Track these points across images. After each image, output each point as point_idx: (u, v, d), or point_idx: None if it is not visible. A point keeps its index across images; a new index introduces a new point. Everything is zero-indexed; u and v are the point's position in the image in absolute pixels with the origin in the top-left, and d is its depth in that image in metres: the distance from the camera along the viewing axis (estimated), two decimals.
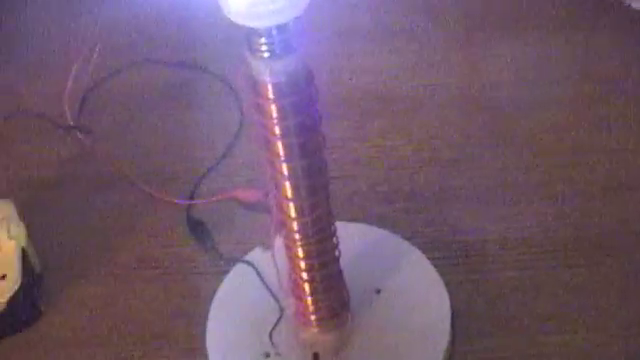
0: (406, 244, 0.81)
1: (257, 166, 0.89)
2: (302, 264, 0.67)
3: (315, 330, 0.73)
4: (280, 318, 0.75)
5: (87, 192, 0.94)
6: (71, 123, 0.99)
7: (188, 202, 0.90)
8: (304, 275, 0.67)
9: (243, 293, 0.78)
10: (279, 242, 0.70)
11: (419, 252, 0.80)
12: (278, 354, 0.73)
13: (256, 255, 0.82)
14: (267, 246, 0.76)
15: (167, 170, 0.94)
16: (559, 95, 0.98)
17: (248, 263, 0.81)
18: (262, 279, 0.79)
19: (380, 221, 0.85)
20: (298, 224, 0.63)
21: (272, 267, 0.72)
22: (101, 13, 1.13)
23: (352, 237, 0.74)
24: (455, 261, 0.82)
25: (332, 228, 0.65)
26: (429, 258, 0.80)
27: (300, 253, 0.66)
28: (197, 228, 0.86)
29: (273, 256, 0.72)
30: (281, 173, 0.59)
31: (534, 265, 0.81)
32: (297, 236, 0.64)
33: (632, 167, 0.88)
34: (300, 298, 0.70)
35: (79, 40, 1.08)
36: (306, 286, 0.68)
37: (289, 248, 0.66)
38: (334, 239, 0.66)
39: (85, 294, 0.83)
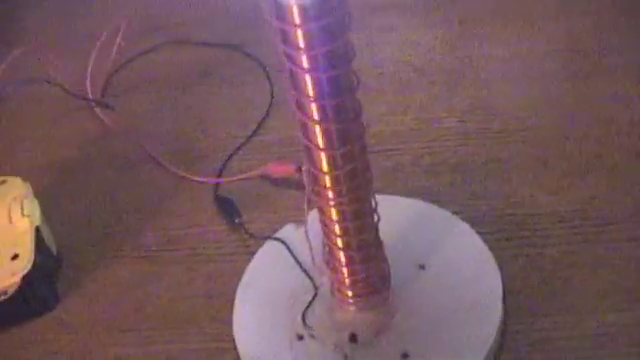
0: (453, 217, 0.74)
1: (288, 141, 0.86)
2: (337, 228, 0.60)
3: (352, 309, 0.67)
4: (314, 297, 0.69)
5: (112, 172, 0.89)
6: (92, 100, 0.93)
7: (216, 181, 0.84)
8: (339, 242, 0.61)
9: (273, 272, 0.72)
10: (312, 218, 0.65)
11: (467, 226, 0.73)
12: (312, 336, 0.67)
13: (288, 232, 0.76)
14: (300, 222, 0.71)
15: (195, 149, 0.89)
16: (614, 64, 0.90)
17: (279, 240, 0.74)
18: (294, 257, 0.72)
19: (424, 195, 0.79)
20: (331, 179, 0.56)
21: (305, 244, 0.67)
22: None
23: (394, 210, 0.67)
24: (506, 235, 0.75)
25: (369, 187, 0.58)
26: (478, 232, 0.73)
27: (334, 214, 0.59)
28: (225, 206, 0.81)
29: (306, 231, 0.67)
30: (310, 117, 0.53)
31: (591, 239, 0.74)
32: (330, 194, 0.57)
33: None
34: (335, 270, 0.63)
35: (108, 18, 1.03)
36: (341, 255, 0.62)
37: (322, 212, 0.60)
38: (372, 201, 0.59)
39: (108, 277, 0.78)
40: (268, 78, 0.96)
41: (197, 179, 0.84)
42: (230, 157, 0.87)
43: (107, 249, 0.80)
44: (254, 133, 0.90)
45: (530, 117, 0.86)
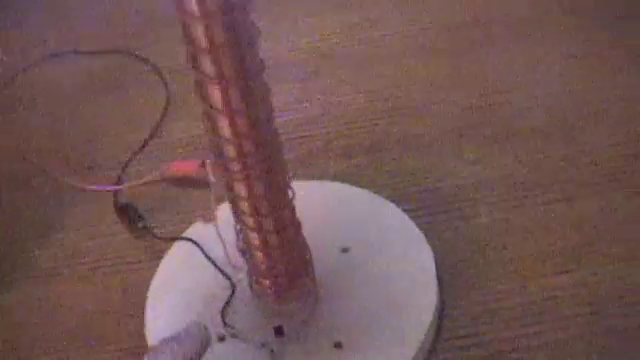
0: (374, 197, 0.69)
1: (187, 141, 0.79)
2: (247, 206, 0.54)
3: (274, 301, 0.60)
4: (232, 294, 0.62)
5: (1, 192, 0.80)
6: None
7: (114, 188, 0.77)
8: (251, 222, 0.55)
9: (185, 273, 0.66)
10: (222, 215, 0.61)
11: (390, 203, 0.67)
12: (234, 335, 0.60)
13: (196, 231, 0.69)
14: (208, 218, 0.64)
15: (89, 159, 0.82)
16: (518, 32, 0.87)
17: (188, 240, 0.67)
18: (206, 255, 0.66)
19: (341, 178, 0.73)
20: (236, 148, 0.50)
21: (216, 241, 0.63)
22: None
23: (311, 195, 0.61)
24: (432, 210, 0.70)
25: (279, 156, 0.53)
26: (402, 210, 0.68)
27: (243, 191, 0.53)
28: (126, 212, 0.74)
29: (216, 226, 0.61)
30: (207, 76, 0.46)
31: (521, 203, 0.69)
32: (237, 166, 0.51)
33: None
34: (252, 258, 0.57)
35: None
36: (256, 238, 0.56)
37: (233, 192, 0.53)
38: (285, 174, 0.53)
39: (3, 305, 0.70)
40: (162, 79, 0.89)
41: (93, 188, 0.77)
42: (128, 163, 0.81)
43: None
44: (151, 137, 0.84)
45: (438, 91, 0.82)
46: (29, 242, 0.75)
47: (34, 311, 0.68)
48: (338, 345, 0.59)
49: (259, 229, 0.54)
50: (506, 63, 0.83)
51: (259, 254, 0.56)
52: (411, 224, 0.66)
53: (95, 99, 0.90)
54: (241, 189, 0.53)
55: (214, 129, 0.49)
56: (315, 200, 0.59)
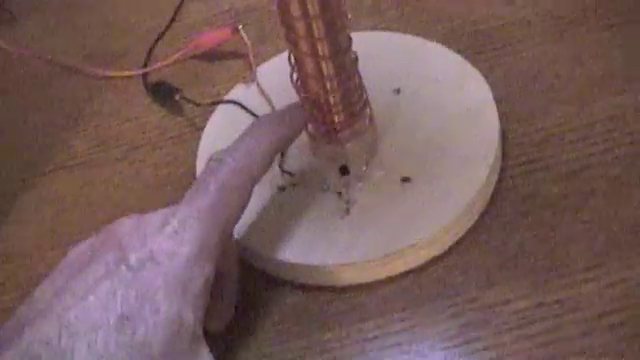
0: (419, 39, 0.66)
1: (212, 20, 0.76)
2: (305, 45, 0.51)
3: (333, 143, 0.57)
4: None
5: (24, 96, 0.78)
6: None
7: (143, 71, 0.74)
8: (307, 52, 0.52)
9: (233, 133, 0.62)
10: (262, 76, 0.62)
11: (436, 44, 0.65)
12: (294, 184, 0.57)
13: (239, 92, 0.66)
14: (250, 79, 0.62)
15: (111, 50, 0.79)
16: None
17: (231, 102, 0.65)
18: (253, 113, 0.63)
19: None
20: None
21: (260, 100, 0.63)
22: None
23: (356, 45, 0.57)
24: (477, 50, 0.68)
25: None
26: None
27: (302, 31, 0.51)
28: (160, 90, 0.71)
29: (259, 84, 0.61)
30: None
31: (568, 34, 0.68)
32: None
33: None
34: (310, 98, 0.54)
35: None
36: (315, 69, 0.53)
37: (293, 42, 0.52)
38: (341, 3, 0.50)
39: (44, 194, 0.67)
40: None
41: (121, 74, 0.74)
42: (153, 47, 0.77)
43: (38, 165, 0.69)
44: (173, 20, 0.80)
45: None
46: (64, 132, 0.72)
47: (77, 198, 0.65)
48: (406, 179, 0.56)
49: (314, 54, 0.52)
50: None
51: (320, 90, 0.53)
52: (459, 58, 0.63)
53: None
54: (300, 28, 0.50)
55: None
56: (361, 49, 0.56)
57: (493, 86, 0.62)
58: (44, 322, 0.39)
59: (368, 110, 0.57)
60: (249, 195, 0.47)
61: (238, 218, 0.47)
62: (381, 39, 0.66)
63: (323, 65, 0.51)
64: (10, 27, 0.84)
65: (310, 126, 0.57)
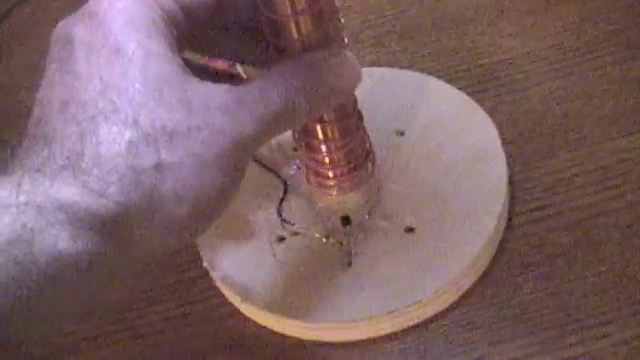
0: (421, 76, 0.64)
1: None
2: None
3: (335, 192, 0.55)
4: (285, 190, 0.57)
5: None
6: None
7: None
8: (314, 119, 0.50)
9: None
10: None
11: (439, 81, 0.62)
12: (295, 233, 0.55)
13: None
14: None
15: None
16: None
17: None
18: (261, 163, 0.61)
19: (378, 66, 0.68)
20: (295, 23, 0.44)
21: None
22: None
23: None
24: (481, 87, 0.65)
25: (339, 35, 0.47)
26: None
27: None
28: None
29: None
30: None
31: (575, 70, 0.65)
32: (296, 44, 0.45)
33: None
34: (311, 150, 0.52)
35: None
36: (318, 127, 0.50)
37: None
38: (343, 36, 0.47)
39: None
40: None
41: None
42: None
43: None
44: None
45: None
46: None
47: None
48: (410, 230, 0.54)
49: (319, 119, 0.49)
50: None
51: (321, 145, 0.51)
52: (465, 97, 0.61)
53: None
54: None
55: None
56: (363, 86, 0.54)
57: (499, 126, 0.60)
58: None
59: (371, 159, 0.54)
60: None
61: None
62: (384, 76, 0.64)
63: (328, 129, 0.49)
64: None
65: (311, 176, 0.54)
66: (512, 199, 0.57)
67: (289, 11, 0.43)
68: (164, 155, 0.38)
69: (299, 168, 0.58)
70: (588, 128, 0.61)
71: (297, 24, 0.43)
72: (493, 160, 0.57)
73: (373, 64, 0.69)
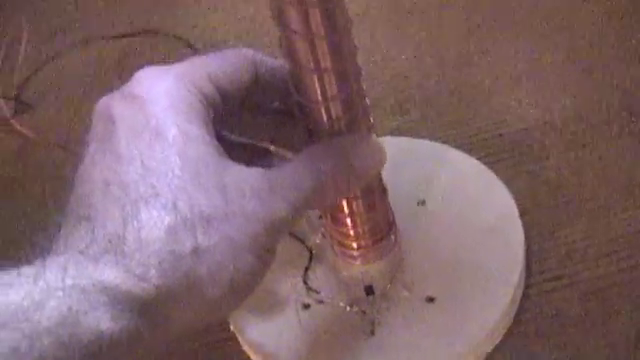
0: (441, 147, 0.67)
1: None
2: None
3: (358, 262, 0.57)
4: (311, 259, 0.60)
5: (45, 184, 0.77)
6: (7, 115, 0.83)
7: None
8: (341, 204, 0.53)
9: None
10: None
11: (459, 152, 0.65)
12: (320, 301, 0.58)
13: None
14: None
15: None
16: None
17: None
18: None
19: (398, 134, 0.71)
20: (325, 109, 0.47)
21: None
22: None
23: None
24: (500, 156, 0.68)
25: (367, 119, 0.49)
26: None
27: None
28: None
29: None
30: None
31: (591, 140, 0.67)
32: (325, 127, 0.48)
33: None
34: (337, 223, 0.55)
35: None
36: (344, 204, 0.53)
37: None
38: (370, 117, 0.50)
39: None
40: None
41: None
42: None
43: None
44: None
45: (489, 34, 0.79)
46: None
47: None
48: (431, 299, 0.57)
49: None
50: None
51: (346, 219, 0.53)
52: (484, 168, 0.64)
53: (125, 81, 0.86)
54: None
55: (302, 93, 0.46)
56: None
57: (517, 195, 0.62)
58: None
59: (394, 230, 0.57)
60: None
61: None
62: (405, 145, 0.66)
63: (353, 204, 0.52)
64: (28, 115, 0.84)
65: (336, 246, 0.57)
66: (528, 268, 0.59)
67: (320, 97, 0.45)
68: (201, 239, 0.40)
69: (324, 237, 0.60)
70: (603, 199, 0.63)
71: (327, 109, 0.46)
72: (511, 231, 0.59)
73: (394, 131, 0.72)
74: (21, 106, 0.85)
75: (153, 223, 0.40)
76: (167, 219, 0.40)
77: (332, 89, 0.45)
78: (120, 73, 0.88)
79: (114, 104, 0.43)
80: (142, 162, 0.41)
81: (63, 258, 0.39)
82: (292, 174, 0.43)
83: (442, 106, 0.73)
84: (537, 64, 0.75)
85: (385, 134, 0.70)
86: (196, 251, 0.40)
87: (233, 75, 0.46)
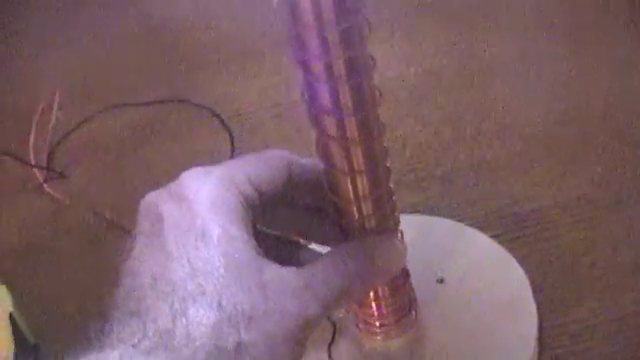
0: (458, 225, 0.70)
1: None
2: None
3: (379, 337, 0.60)
4: (334, 334, 0.63)
5: (74, 248, 0.81)
6: (40, 179, 0.87)
7: None
8: None
9: None
10: None
11: (475, 231, 0.68)
12: None
13: None
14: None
15: None
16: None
17: None
18: None
19: (418, 211, 0.74)
20: (357, 207, 0.51)
21: None
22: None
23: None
24: (514, 235, 0.71)
25: (394, 214, 0.53)
26: None
27: None
28: None
29: None
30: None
31: (602, 220, 0.71)
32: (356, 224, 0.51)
33: None
34: (361, 305, 0.58)
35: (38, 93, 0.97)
36: (370, 293, 0.57)
37: None
38: (396, 213, 0.54)
39: None
40: (225, 126, 0.89)
41: None
42: None
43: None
44: None
45: (504, 117, 0.82)
46: None
47: None
48: None
49: None
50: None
51: (371, 303, 0.57)
52: (499, 248, 0.67)
53: (158, 148, 0.90)
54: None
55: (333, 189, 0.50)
56: (404, 235, 0.60)
57: (530, 273, 0.66)
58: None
59: (414, 307, 0.60)
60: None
61: None
62: (423, 223, 0.70)
63: (379, 290, 0.55)
64: (60, 182, 0.88)
65: (359, 322, 0.60)
66: (541, 344, 0.62)
67: (352, 197, 0.49)
68: (244, 335, 0.43)
69: (347, 312, 0.63)
70: (613, 278, 0.66)
71: (359, 208, 0.49)
72: (525, 309, 0.62)
73: (413, 207, 0.75)
74: (53, 173, 0.88)
75: (200, 320, 0.43)
76: (213, 316, 0.43)
77: (364, 190, 0.48)
78: (149, 138, 0.91)
79: (162, 202, 0.47)
80: (189, 260, 0.44)
81: (118, 352, 0.42)
82: (324, 273, 0.47)
83: (460, 183, 0.77)
84: (552, 143, 0.78)
85: (408, 211, 0.74)
86: (239, 346, 0.43)
87: (270, 176, 0.49)
